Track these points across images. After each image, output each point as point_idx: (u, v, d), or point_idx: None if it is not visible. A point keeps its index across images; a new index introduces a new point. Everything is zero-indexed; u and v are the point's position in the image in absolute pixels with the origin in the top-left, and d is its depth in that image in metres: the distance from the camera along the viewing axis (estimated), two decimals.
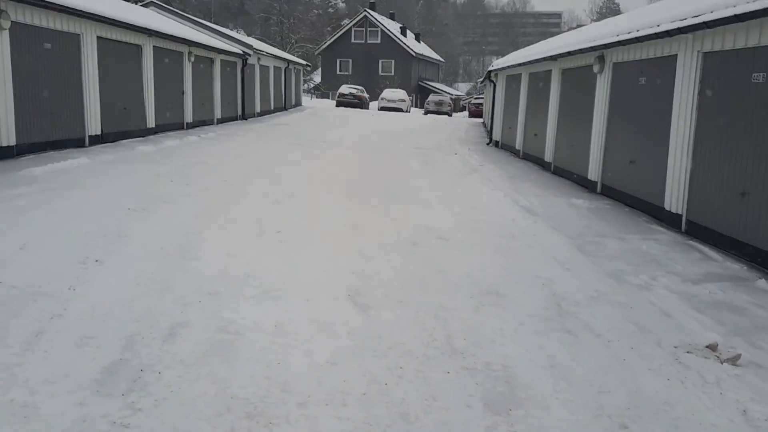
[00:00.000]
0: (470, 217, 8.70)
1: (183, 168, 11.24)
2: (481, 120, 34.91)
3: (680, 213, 8.42)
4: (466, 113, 47.93)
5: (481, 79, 33.09)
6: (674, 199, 8.56)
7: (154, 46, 16.20)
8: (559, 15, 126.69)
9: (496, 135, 20.56)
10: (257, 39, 37.74)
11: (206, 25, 24.75)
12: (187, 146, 14.65)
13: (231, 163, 12.38)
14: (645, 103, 9.75)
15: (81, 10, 12.02)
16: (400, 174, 12.60)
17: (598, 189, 11.36)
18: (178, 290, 4.89)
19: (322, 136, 19.33)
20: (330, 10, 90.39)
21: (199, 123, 19.81)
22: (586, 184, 11.90)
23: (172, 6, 32.97)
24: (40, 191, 8.26)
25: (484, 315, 4.88)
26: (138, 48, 15.43)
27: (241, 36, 28.54)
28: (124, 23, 13.92)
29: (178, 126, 18.22)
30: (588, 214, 9.45)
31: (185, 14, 25.87)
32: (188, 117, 18.84)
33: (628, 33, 9.60)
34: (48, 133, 11.75)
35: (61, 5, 11.38)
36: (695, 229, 8.05)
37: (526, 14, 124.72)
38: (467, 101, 59.32)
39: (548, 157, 14.46)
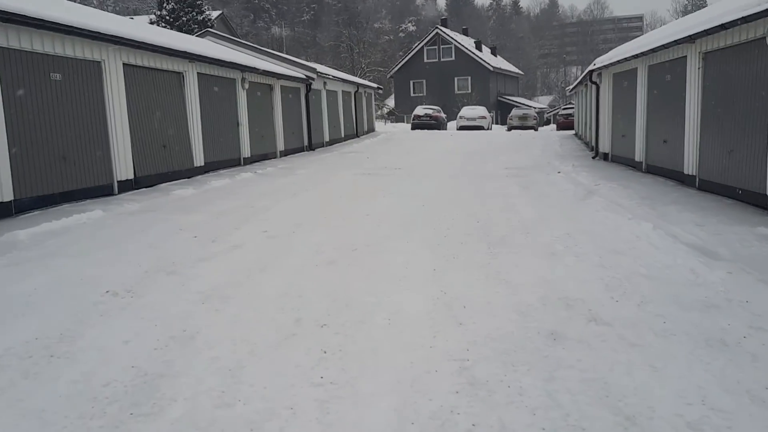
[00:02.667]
0: (622, 271, 5.63)
1: (219, 216, 8.76)
2: (572, 132, 31.43)
3: None
4: (551, 126, 44.32)
5: (572, 86, 29.59)
6: None
7: (198, 73, 14.08)
8: (640, 18, 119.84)
9: (604, 146, 17.18)
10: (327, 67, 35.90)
11: (264, 51, 22.78)
12: (235, 186, 12.27)
13: (282, 205, 9.83)
14: None
15: (96, 32, 9.91)
16: (498, 205, 9.63)
17: None
18: None
19: (397, 163, 16.63)
20: (401, 35, 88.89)
21: (260, 157, 17.58)
22: (761, 203, 8.52)
23: (243, 40, 31.61)
24: (3, 267, 5.89)
25: None
26: (179, 76, 13.33)
27: (305, 62, 26.50)
28: (157, 47, 11.80)
29: (234, 162, 16.02)
30: None
31: (241, 41, 24.03)
32: (245, 151, 16.63)
33: None
34: (60, 182, 9.60)
35: (69, 26, 9.29)
36: None
37: (604, 20, 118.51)
38: (552, 113, 55.55)
39: (689, 168, 11.07)
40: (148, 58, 12.02)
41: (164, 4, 37.98)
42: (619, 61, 14.72)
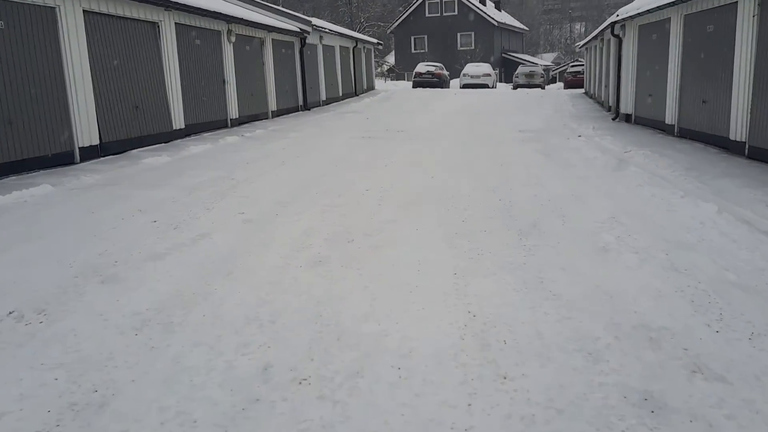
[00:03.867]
0: (704, 277, 4.25)
1: (190, 191, 7.34)
2: (581, 90, 29.75)
3: None
4: (558, 85, 42.45)
5: (583, 42, 27.77)
6: None
7: (176, 24, 12.45)
8: None
9: (626, 106, 15.63)
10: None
11: (253, 1, 20.93)
12: (217, 152, 10.80)
13: (267, 177, 8.40)
14: None
15: None
16: (519, 177, 8.21)
17: None
18: None
19: (399, 125, 15.11)
20: None
21: (249, 118, 16.02)
22: None
23: None
24: None
25: None
26: (153, 26, 11.71)
27: (300, 15, 24.61)
28: None
29: (220, 124, 14.49)
30: None
31: None
32: (232, 112, 15.07)
33: None
34: (5, 151, 8.13)
35: None
36: None
37: None
38: (558, 71, 53.48)
39: (737, 133, 9.60)
40: (114, 4, 10.39)
41: None
42: (649, 11, 13.06)
